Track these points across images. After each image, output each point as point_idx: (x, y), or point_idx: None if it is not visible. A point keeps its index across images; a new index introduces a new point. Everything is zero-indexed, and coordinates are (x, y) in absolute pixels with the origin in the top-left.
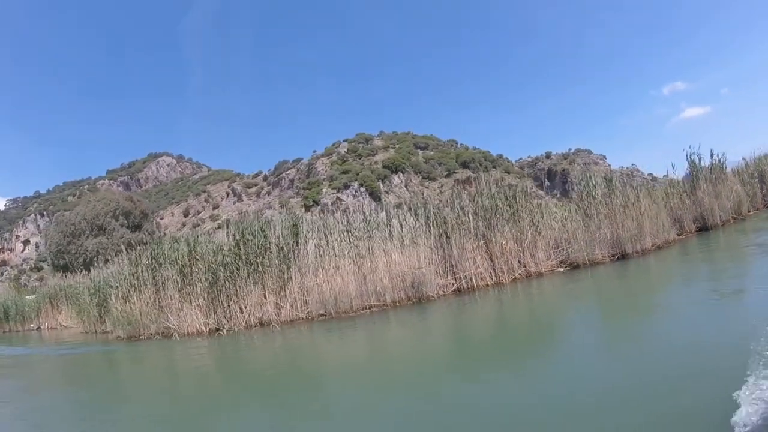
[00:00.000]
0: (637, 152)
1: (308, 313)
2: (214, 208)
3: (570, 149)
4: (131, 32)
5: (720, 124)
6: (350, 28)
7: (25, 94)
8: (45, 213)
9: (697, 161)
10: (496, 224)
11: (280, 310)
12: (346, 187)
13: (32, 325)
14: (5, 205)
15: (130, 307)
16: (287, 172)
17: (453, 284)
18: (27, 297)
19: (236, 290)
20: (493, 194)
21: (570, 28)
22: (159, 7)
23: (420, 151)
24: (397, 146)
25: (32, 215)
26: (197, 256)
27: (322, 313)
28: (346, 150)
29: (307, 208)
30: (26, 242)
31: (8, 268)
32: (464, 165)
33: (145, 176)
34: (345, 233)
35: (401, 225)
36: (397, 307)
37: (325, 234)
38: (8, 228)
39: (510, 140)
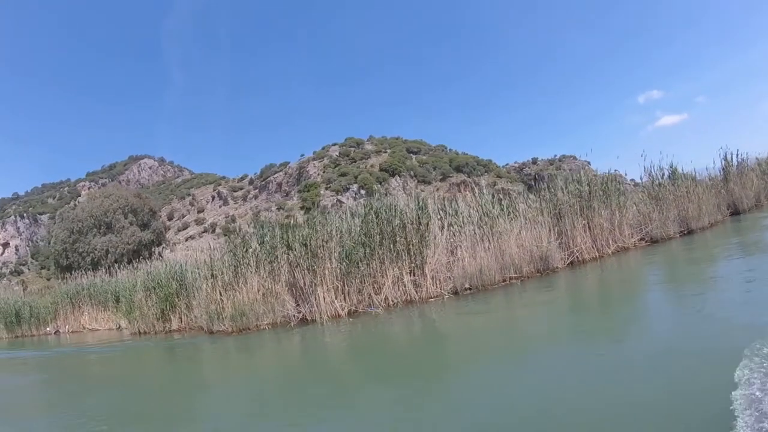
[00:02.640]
0: (612, 159)
1: (450, 288)
2: (200, 211)
3: (555, 155)
4: (110, 36)
5: (696, 131)
6: (330, 35)
7: (1, 95)
8: (25, 215)
9: (729, 159)
10: (595, 206)
11: (419, 287)
12: (345, 189)
13: (48, 329)
14: None
15: (238, 298)
16: (275, 176)
17: (567, 258)
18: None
19: (371, 271)
20: (590, 181)
21: (543, 38)
22: (138, 10)
23: (413, 156)
24: (389, 150)
25: (12, 217)
26: (328, 237)
27: (467, 287)
28: (338, 153)
29: (306, 210)
30: (5, 245)
31: None
32: (458, 169)
33: (126, 179)
34: (478, 212)
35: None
36: (529, 279)
37: (455, 213)
38: None
39: (486, 147)
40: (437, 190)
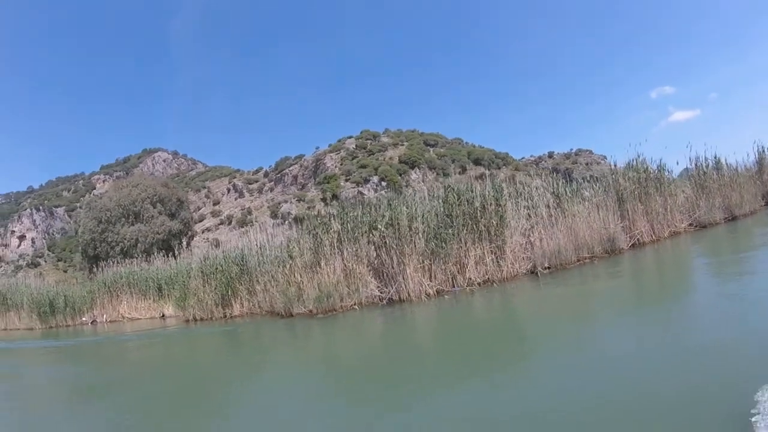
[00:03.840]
0: (624, 154)
1: (529, 267)
2: (215, 204)
3: (572, 149)
4: (120, 37)
5: (708, 127)
6: (335, 34)
7: (15, 93)
8: (41, 207)
9: (764, 152)
10: (651, 192)
11: (500, 267)
12: (366, 181)
13: (84, 318)
14: None
15: (322, 279)
16: (290, 168)
17: (629, 240)
18: None
19: (455, 251)
20: (646, 168)
21: (556, 34)
22: (146, 9)
23: (430, 148)
24: (406, 143)
25: (27, 210)
26: (414, 217)
27: (546, 267)
28: (354, 146)
29: (326, 201)
30: (22, 237)
31: (3, 264)
32: (476, 162)
33: (140, 171)
34: (551, 196)
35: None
36: (600, 259)
37: (529, 197)
38: (2, 223)
39: (501, 143)
40: (457, 182)
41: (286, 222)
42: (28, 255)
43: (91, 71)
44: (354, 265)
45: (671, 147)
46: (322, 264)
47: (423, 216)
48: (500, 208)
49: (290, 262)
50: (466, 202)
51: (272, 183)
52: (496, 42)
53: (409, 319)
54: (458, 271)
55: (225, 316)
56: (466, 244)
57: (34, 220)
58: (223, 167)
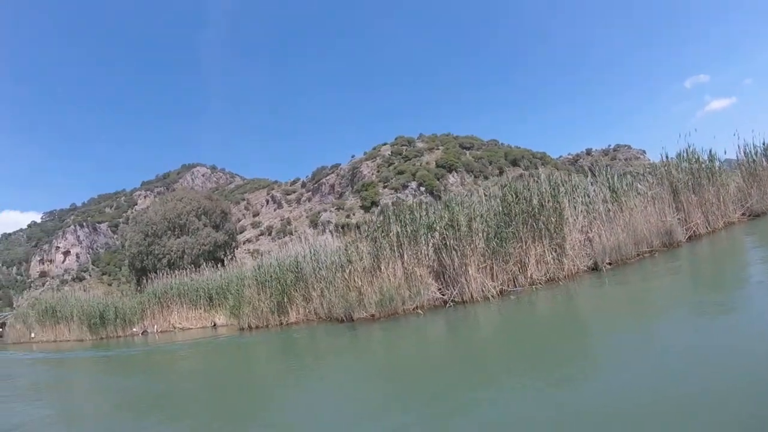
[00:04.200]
0: (667, 147)
1: (590, 264)
2: (255, 215)
3: (609, 145)
4: (150, 53)
5: (745, 114)
6: (364, 38)
7: (57, 113)
8: (84, 224)
9: None
10: (704, 183)
11: (561, 265)
12: (404, 187)
13: (134, 329)
14: (42, 218)
15: (383, 283)
16: (327, 178)
17: (685, 232)
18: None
19: (515, 250)
20: (698, 158)
21: (586, 25)
22: (175, 24)
23: (467, 151)
24: (442, 147)
25: (71, 226)
26: (475, 217)
27: (608, 262)
28: (390, 153)
29: (366, 209)
30: (66, 253)
31: (49, 278)
32: (514, 163)
33: (180, 187)
34: (607, 191)
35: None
36: (659, 253)
37: (585, 194)
38: (47, 240)
39: (536, 140)
40: (495, 185)
41: (326, 231)
42: (72, 270)
43: (127, 90)
44: (414, 268)
45: (711, 137)
46: (382, 267)
47: (482, 216)
48: (558, 205)
49: (350, 266)
50: (524, 201)
51: (310, 193)
52: (525, 39)
53: (473, 320)
54: (519, 271)
55: (281, 324)
56: (526, 242)
57: (78, 236)
58: (260, 179)
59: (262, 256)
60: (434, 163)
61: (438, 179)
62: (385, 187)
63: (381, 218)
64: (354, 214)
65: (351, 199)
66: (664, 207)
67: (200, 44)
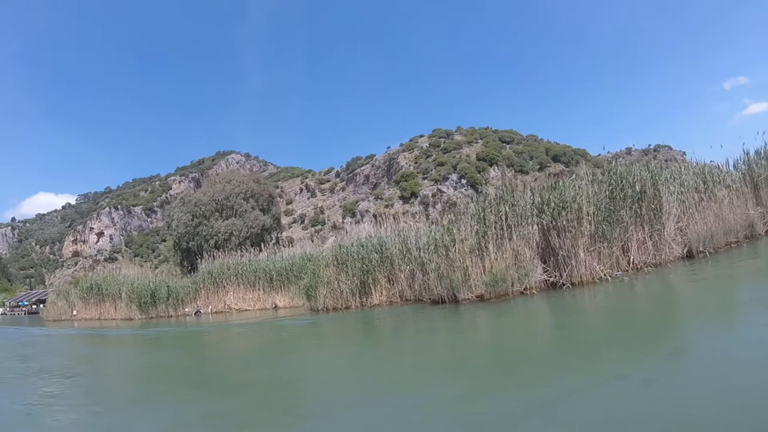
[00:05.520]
0: (698, 150)
1: (686, 251)
2: (288, 203)
3: (650, 145)
4: (191, 46)
5: None
6: (399, 34)
7: (95, 104)
8: (119, 206)
9: None
10: None
11: (659, 251)
12: (444, 179)
13: (187, 309)
14: (76, 201)
15: (494, 263)
16: (361, 168)
17: (764, 226)
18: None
19: (618, 234)
20: None
21: (624, 24)
22: (214, 18)
23: (506, 145)
24: (481, 140)
25: (106, 209)
26: (584, 200)
27: (701, 250)
28: (427, 144)
29: (405, 199)
30: (100, 234)
31: (82, 258)
32: (555, 159)
33: (215, 173)
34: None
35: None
36: (744, 243)
37: (681, 183)
38: (81, 221)
39: (570, 138)
40: (535, 180)
41: (363, 219)
42: (105, 250)
43: (165, 79)
44: (524, 248)
45: (748, 140)
46: (490, 247)
47: (591, 199)
48: (657, 192)
49: (454, 246)
50: (629, 186)
51: (344, 183)
52: (562, 36)
53: (591, 302)
54: (622, 255)
55: (362, 305)
56: (628, 227)
57: (113, 218)
58: (294, 168)
59: (293, 244)
60: (475, 155)
61: (479, 172)
62: (424, 178)
63: (487, 199)
64: (393, 205)
65: (389, 189)
66: (746, 201)
67: (238, 38)
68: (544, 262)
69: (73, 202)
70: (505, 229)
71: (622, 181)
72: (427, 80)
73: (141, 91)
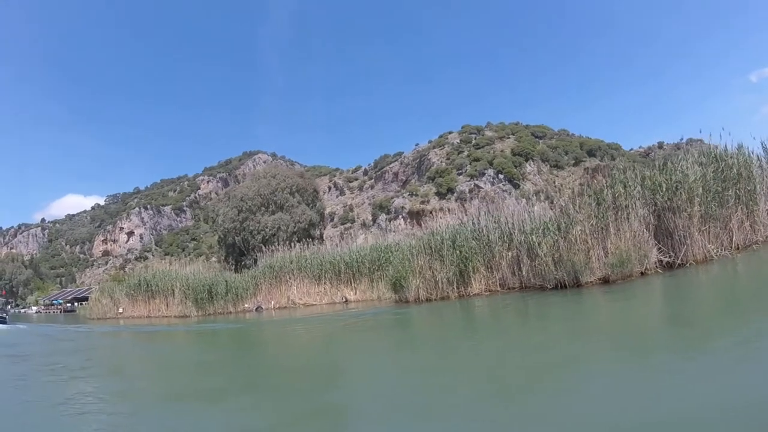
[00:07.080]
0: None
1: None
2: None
3: (682, 138)
4: (214, 46)
5: None
6: (423, 31)
7: (123, 107)
8: (149, 206)
9: None
10: None
11: (755, 231)
12: (481, 174)
13: (246, 305)
14: (105, 201)
15: (617, 244)
16: (390, 165)
17: None
18: None
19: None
20: None
21: (648, 15)
22: (237, 19)
23: (539, 140)
24: (513, 135)
25: (136, 209)
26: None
27: None
28: (458, 141)
29: (441, 195)
30: (130, 233)
31: (112, 257)
32: (590, 153)
33: (242, 173)
34: None
35: None
36: None
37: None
38: (110, 221)
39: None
40: (571, 174)
41: (400, 216)
42: (136, 249)
43: (191, 81)
44: (641, 229)
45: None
46: (611, 228)
47: (699, 180)
48: (751, 174)
49: (574, 228)
50: (727, 168)
51: (372, 180)
52: (586, 28)
53: (722, 280)
54: (725, 235)
55: (461, 295)
56: (728, 208)
57: (143, 218)
58: (321, 167)
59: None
60: (509, 151)
61: (515, 167)
62: (459, 174)
63: (604, 181)
64: (429, 201)
65: (424, 185)
66: None
67: (262, 40)
68: (660, 243)
69: (102, 203)
70: (623, 209)
71: (721, 163)
72: (451, 76)
73: (164, 93)
